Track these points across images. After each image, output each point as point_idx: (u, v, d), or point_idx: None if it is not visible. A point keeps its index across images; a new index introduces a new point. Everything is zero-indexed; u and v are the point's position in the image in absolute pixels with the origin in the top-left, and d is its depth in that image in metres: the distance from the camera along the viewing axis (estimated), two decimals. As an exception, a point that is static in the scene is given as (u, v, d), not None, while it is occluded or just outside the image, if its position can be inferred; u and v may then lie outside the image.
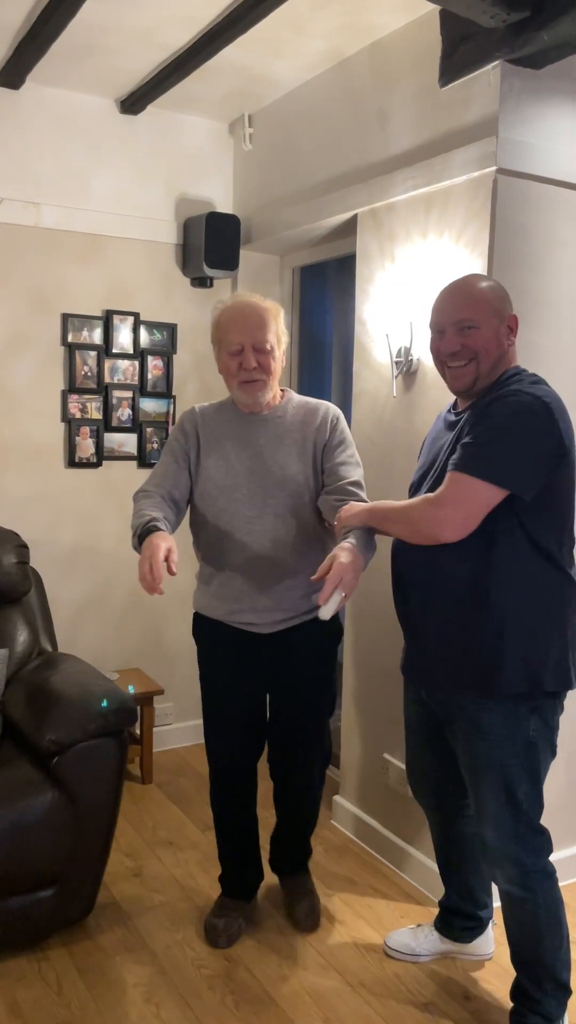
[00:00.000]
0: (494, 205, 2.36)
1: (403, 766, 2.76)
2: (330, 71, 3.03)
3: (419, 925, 2.45)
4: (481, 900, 2.34)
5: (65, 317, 3.37)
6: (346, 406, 2.98)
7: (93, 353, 3.43)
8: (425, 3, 2.34)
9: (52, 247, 3.32)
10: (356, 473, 2.25)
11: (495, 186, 2.36)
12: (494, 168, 2.35)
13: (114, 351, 3.47)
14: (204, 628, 2.38)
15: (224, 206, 3.66)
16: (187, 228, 3.53)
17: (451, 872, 2.32)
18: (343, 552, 1.91)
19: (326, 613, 1.84)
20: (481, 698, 1.91)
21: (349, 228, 3.03)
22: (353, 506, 2.07)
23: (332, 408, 2.32)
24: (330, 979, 2.28)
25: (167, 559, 1.93)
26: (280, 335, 2.23)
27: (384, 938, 2.44)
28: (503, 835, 1.94)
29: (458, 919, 2.35)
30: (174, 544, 1.99)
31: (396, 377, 2.70)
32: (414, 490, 2.11)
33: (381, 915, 2.58)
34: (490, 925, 2.40)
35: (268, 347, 2.18)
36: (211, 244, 3.41)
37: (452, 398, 2.57)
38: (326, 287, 3.70)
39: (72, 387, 3.42)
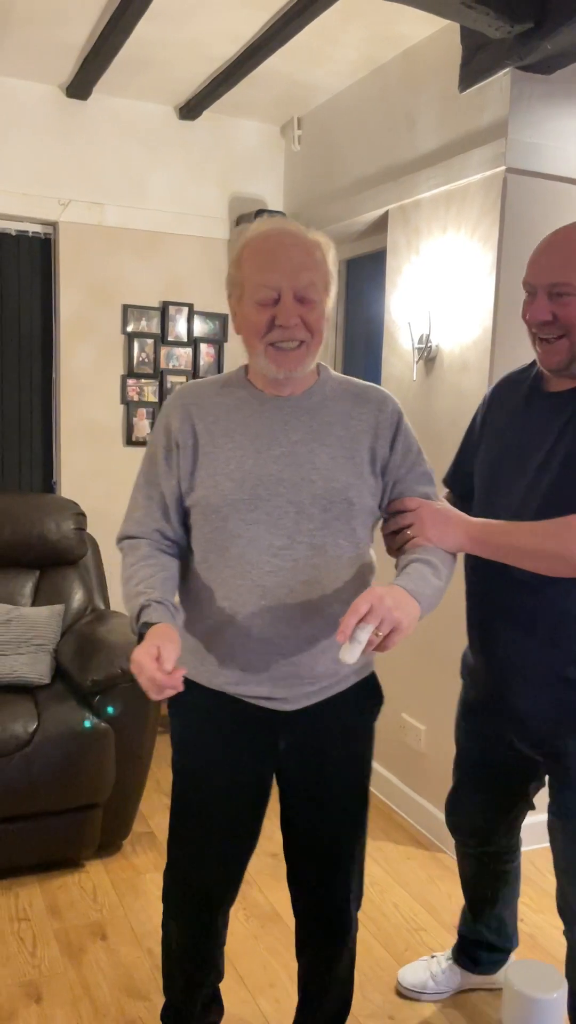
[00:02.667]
0: (503, 202, 2.55)
1: (419, 725, 2.99)
2: (366, 77, 3.24)
3: (433, 956, 2.24)
4: (511, 933, 2.20)
5: (125, 308, 3.68)
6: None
7: (150, 341, 3.74)
8: (444, 15, 2.54)
9: (114, 244, 3.64)
10: (433, 495, 1.66)
11: (504, 184, 2.54)
12: (504, 168, 2.53)
13: (169, 339, 3.77)
14: (189, 699, 1.57)
15: (275, 203, 3.91)
16: (239, 224, 3.80)
17: (484, 907, 2.13)
18: (384, 588, 1.42)
19: (349, 655, 1.34)
20: None
21: (385, 223, 3.24)
22: (438, 512, 1.59)
23: (389, 396, 1.65)
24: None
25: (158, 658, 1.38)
26: (330, 281, 1.53)
27: (398, 973, 2.23)
28: None
29: (486, 952, 2.18)
30: (172, 638, 1.42)
31: (417, 362, 2.91)
32: (486, 480, 1.77)
33: (388, 855, 2.81)
34: (511, 956, 2.25)
35: (315, 296, 1.49)
36: (259, 239, 3.67)
37: (470, 382, 2.75)
38: (378, 277, 3.90)
39: (130, 372, 3.73)
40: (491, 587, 1.72)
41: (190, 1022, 1.83)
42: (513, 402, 1.78)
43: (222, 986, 1.94)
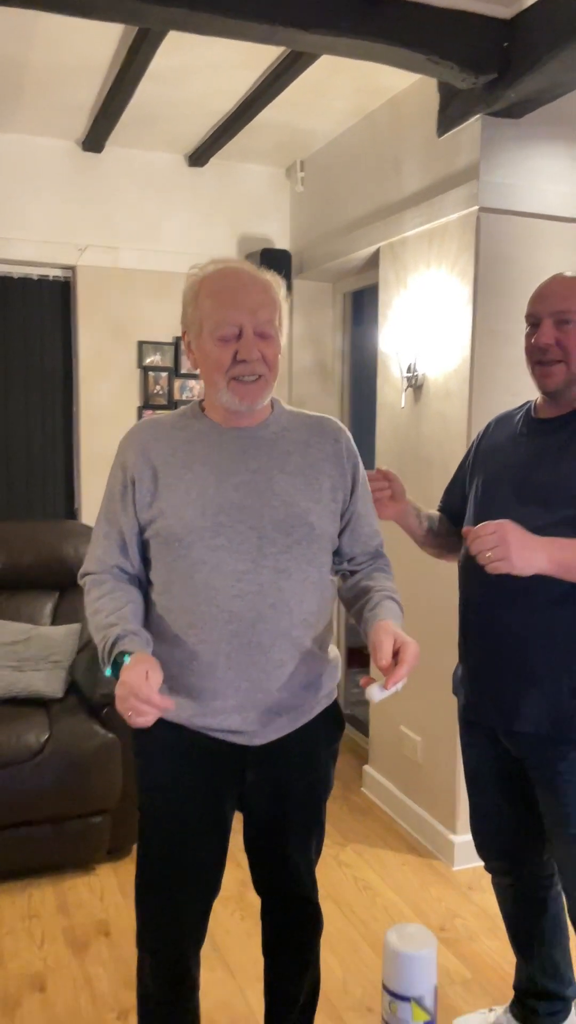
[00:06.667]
0: (478, 238, 2.71)
1: (416, 736, 3.11)
2: (358, 124, 3.44)
3: (491, 1010, 2.14)
4: (567, 976, 2.02)
5: (140, 344, 3.91)
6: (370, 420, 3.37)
7: (164, 374, 3.96)
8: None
9: (129, 284, 3.87)
10: (378, 531, 1.78)
11: (478, 222, 2.70)
12: (477, 207, 2.69)
13: (183, 372, 3.99)
14: (153, 736, 1.57)
15: (281, 241, 4.11)
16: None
17: (531, 947, 2.00)
18: (398, 634, 1.52)
19: (379, 694, 1.45)
20: None
21: (378, 259, 3.42)
22: (524, 535, 1.58)
23: (343, 427, 1.75)
24: (327, 905, 2.64)
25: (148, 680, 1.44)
26: (283, 319, 1.64)
27: None
28: None
29: (543, 1003, 2.01)
30: (156, 665, 1.47)
31: (405, 391, 3.07)
32: (480, 504, 1.85)
33: (385, 862, 2.93)
34: (574, 1006, 2.06)
35: (272, 332, 1.60)
36: (265, 276, 3.87)
37: (453, 408, 2.90)
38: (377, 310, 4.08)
39: (146, 403, 3.95)
40: (495, 587, 1.71)
41: None
42: (507, 432, 1.90)
43: (214, 977, 2.07)
